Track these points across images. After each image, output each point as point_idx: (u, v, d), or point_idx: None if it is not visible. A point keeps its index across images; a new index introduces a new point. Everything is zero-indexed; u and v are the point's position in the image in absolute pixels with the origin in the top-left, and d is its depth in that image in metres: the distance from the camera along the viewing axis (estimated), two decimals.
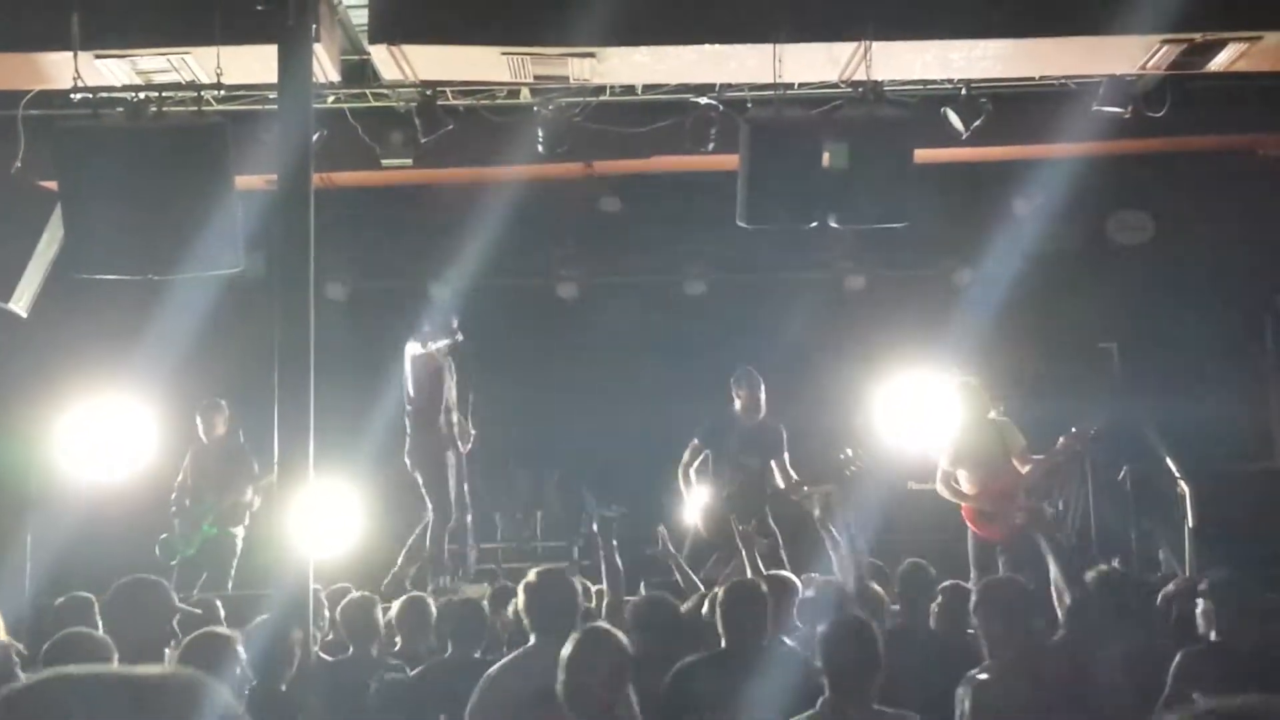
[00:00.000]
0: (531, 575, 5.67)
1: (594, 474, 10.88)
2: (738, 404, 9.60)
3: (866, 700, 4.72)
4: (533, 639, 5.43)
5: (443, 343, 9.84)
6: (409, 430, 10.07)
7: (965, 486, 9.31)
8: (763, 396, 9.56)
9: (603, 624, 5.24)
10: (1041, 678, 5.26)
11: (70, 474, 9.81)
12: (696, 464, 9.51)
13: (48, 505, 9.84)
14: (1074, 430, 9.17)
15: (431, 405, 9.98)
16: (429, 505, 10.00)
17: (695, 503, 9.35)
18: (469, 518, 10.43)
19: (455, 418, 10.07)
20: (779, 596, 6.07)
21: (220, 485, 9.80)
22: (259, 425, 7.37)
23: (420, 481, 10.04)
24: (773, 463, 9.52)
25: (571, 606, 5.54)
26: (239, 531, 9.82)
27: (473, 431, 10.28)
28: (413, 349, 9.95)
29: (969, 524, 9.28)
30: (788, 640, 5.80)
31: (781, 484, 9.34)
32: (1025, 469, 9.18)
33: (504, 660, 5.53)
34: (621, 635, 4.82)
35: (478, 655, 6.34)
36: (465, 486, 10.22)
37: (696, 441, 9.57)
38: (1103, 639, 5.78)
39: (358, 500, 9.66)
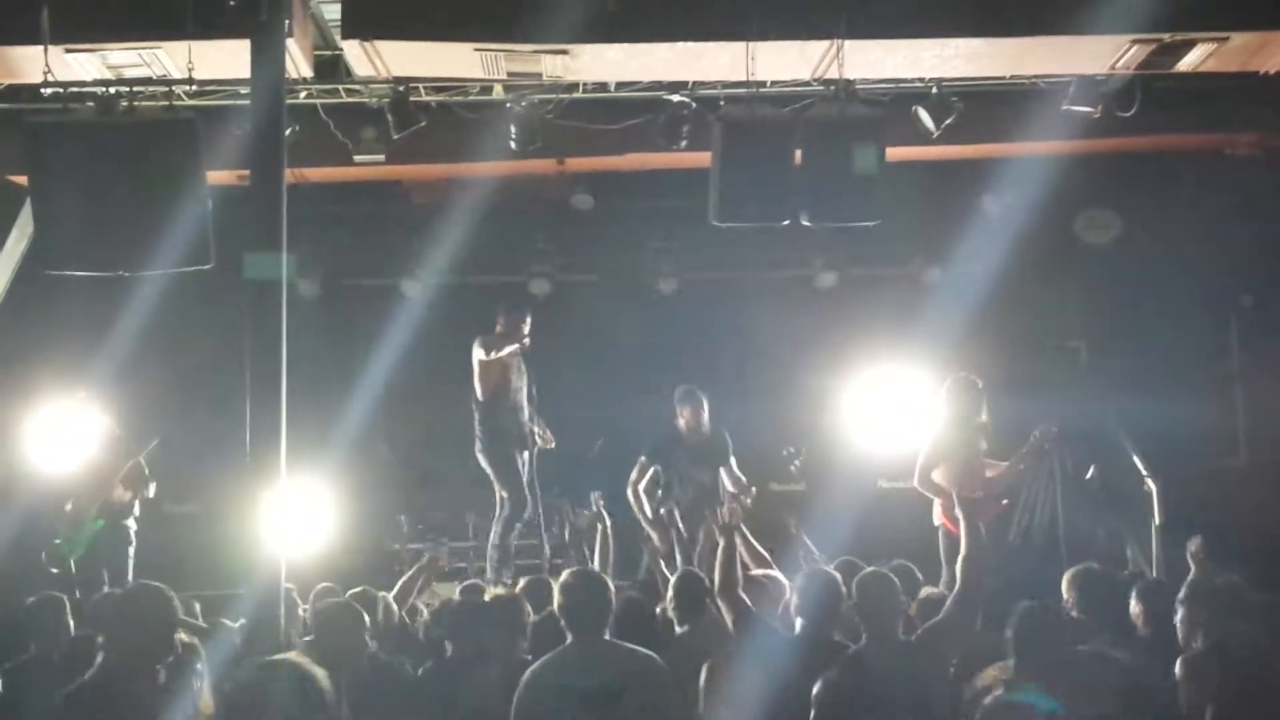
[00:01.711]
0: (566, 575, 5.79)
1: (563, 470, 10.88)
2: (682, 422, 9.65)
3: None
4: (569, 638, 5.53)
5: (512, 347, 9.79)
6: (477, 429, 10.04)
7: (942, 483, 9.34)
8: (705, 415, 9.61)
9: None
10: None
11: (38, 470, 9.73)
12: (645, 481, 9.52)
13: (15, 502, 9.76)
14: (1037, 432, 9.22)
15: (498, 405, 9.96)
16: (504, 499, 9.99)
17: (647, 517, 9.37)
18: (538, 511, 10.29)
19: (523, 417, 10.01)
20: (756, 597, 6.21)
21: (102, 481, 9.56)
22: (230, 422, 7.34)
23: (492, 477, 10.04)
24: (721, 470, 9.56)
25: (606, 606, 5.63)
26: (130, 524, 9.60)
27: (541, 431, 10.19)
28: (478, 352, 9.90)
29: (941, 521, 9.32)
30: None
31: (732, 488, 9.32)
32: (990, 474, 9.22)
33: (545, 659, 5.59)
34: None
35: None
36: (537, 485, 10.12)
37: (644, 458, 9.58)
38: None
39: (328, 498, 9.62)
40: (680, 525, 8.99)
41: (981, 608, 6.05)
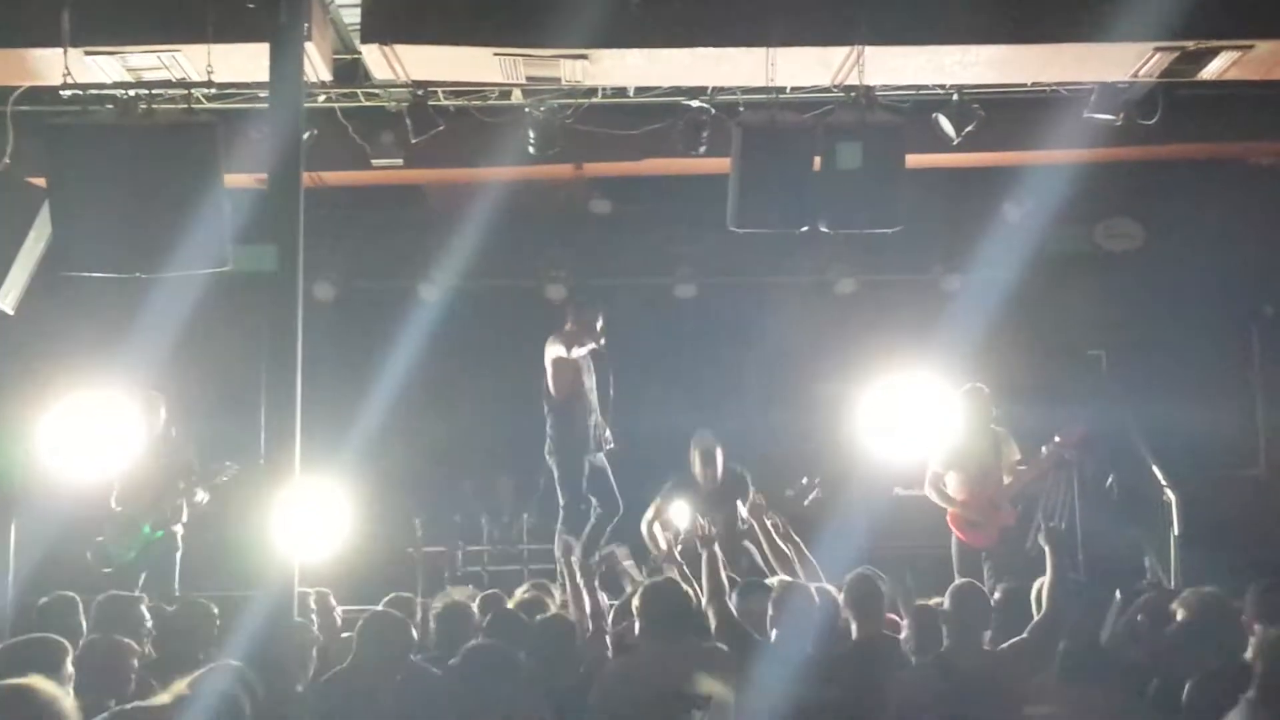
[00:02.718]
0: (648, 581, 6.07)
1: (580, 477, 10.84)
2: (695, 468, 9.55)
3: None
4: (644, 641, 5.78)
5: (586, 348, 9.70)
6: (549, 430, 9.96)
7: (954, 491, 9.32)
8: (718, 465, 9.49)
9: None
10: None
11: (55, 471, 9.74)
12: (659, 521, 9.43)
13: (32, 502, 9.77)
14: (1058, 438, 9.20)
15: (570, 406, 9.85)
16: (561, 506, 9.86)
17: (661, 550, 9.26)
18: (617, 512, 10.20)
19: (595, 419, 9.93)
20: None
21: (157, 485, 9.50)
22: (245, 424, 7.33)
23: (556, 476, 9.94)
24: (738, 503, 9.41)
25: (685, 610, 5.86)
26: (178, 529, 9.55)
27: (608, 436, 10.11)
28: (554, 350, 9.79)
29: (954, 529, 9.29)
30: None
31: (748, 515, 9.19)
32: (1009, 480, 9.22)
33: (620, 659, 5.91)
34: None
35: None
36: (615, 486, 9.99)
37: (659, 501, 9.49)
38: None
39: (344, 501, 9.61)
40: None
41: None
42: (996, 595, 6.75)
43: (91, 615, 6.84)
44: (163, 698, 4.79)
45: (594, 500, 9.68)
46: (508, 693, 5.60)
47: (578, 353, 9.53)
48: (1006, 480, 9.25)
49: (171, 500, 9.33)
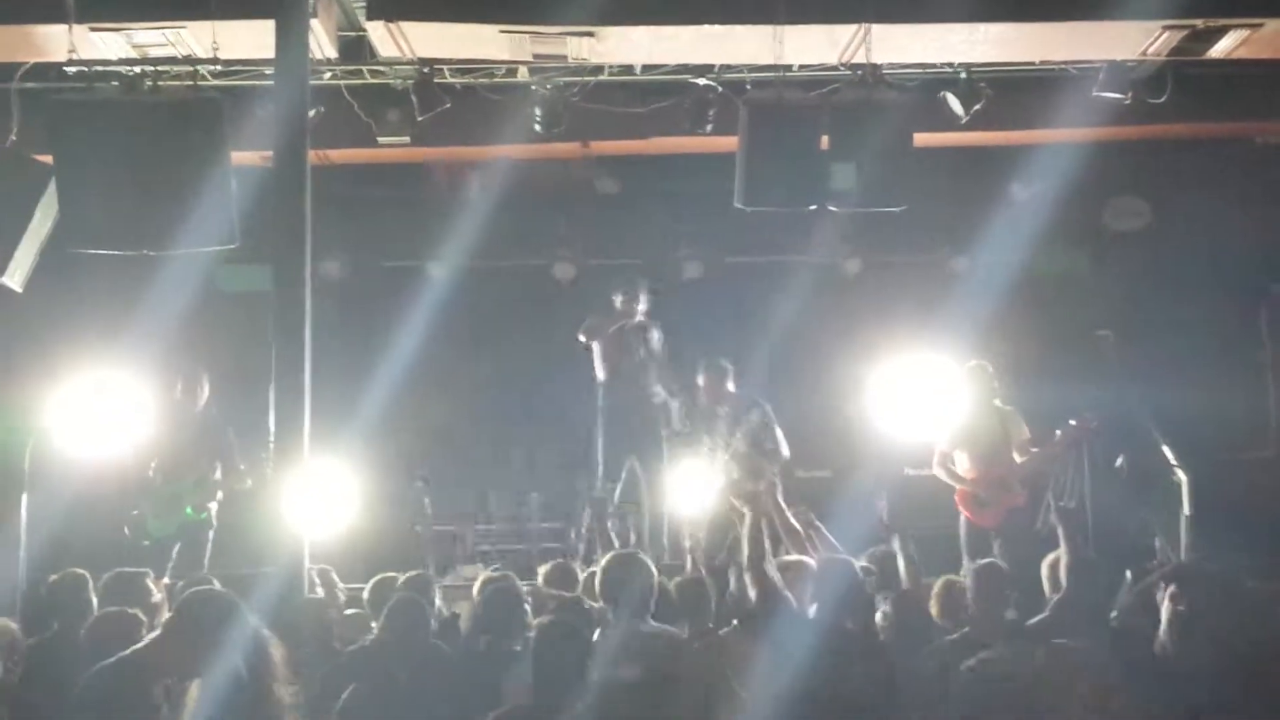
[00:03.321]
0: (606, 559, 5.97)
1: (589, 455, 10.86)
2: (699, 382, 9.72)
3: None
4: (610, 619, 5.68)
5: (614, 326, 9.85)
6: (600, 404, 10.06)
7: (962, 470, 9.31)
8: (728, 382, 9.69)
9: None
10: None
11: (65, 450, 9.76)
12: None
13: (43, 481, 9.78)
14: (1073, 422, 9.18)
15: (614, 384, 9.99)
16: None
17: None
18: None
19: (643, 395, 10.04)
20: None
21: (197, 462, 9.56)
22: (254, 403, 7.34)
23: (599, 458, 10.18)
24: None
25: (648, 588, 5.77)
26: (213, 507, 9.60)
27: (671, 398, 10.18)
28: (585, 333, 10.01)
29: (962, 509, 9.29)
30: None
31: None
32: (1021, 459, 9.20)
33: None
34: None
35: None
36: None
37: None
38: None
39: (352, 480, 9.62)
40: None
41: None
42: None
43: (99, 591, 6.86)
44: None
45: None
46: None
47: (598, 336, 9.98)
48: (1019, 459, 9.23)
49: (216, 483, 9.38)
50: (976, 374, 9.33)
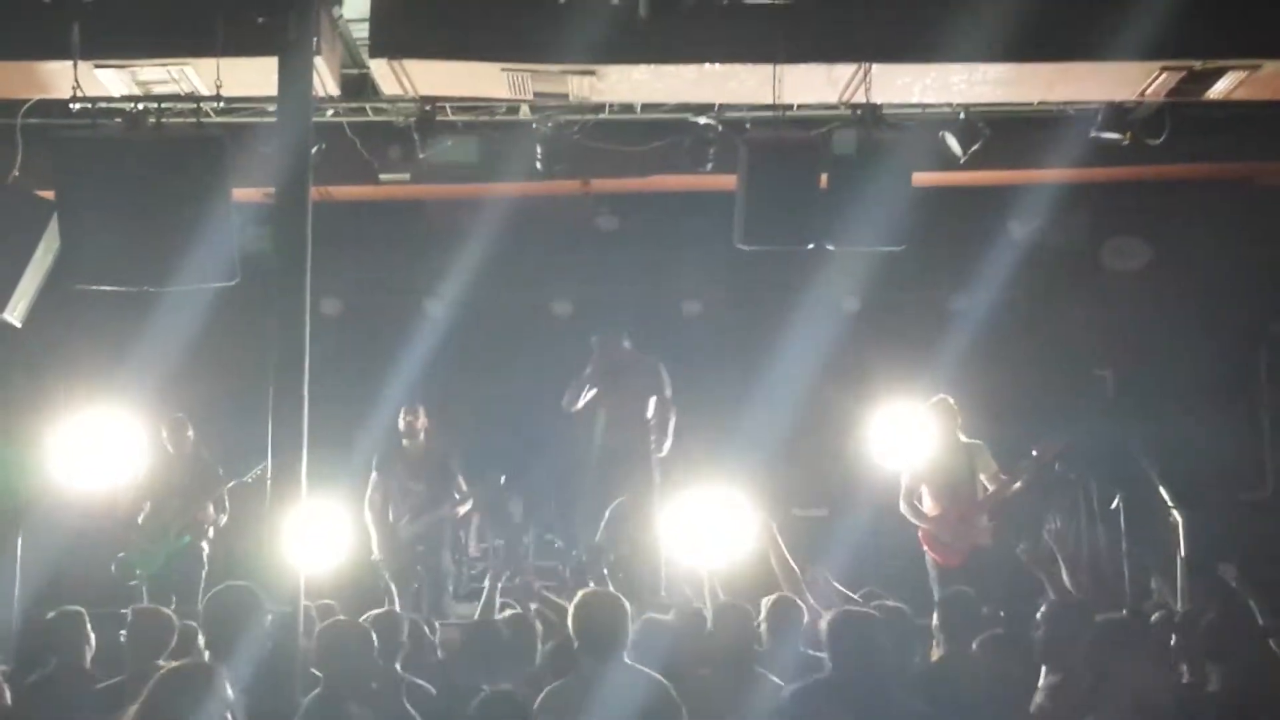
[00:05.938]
0: (580, 597, 5.73)
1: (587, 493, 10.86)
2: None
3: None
4: (582, 663, 5.49)
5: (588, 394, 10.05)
6: (598, 442, 10.27)
7: (926, 507, 9.33)
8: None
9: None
10: None
11: (62, 484, 9.74)
12: None
13: (39, 516, 9.77)
14: (1035, 451, 9.19)
15: (614, 422, 10.16)
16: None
17: None
18: None
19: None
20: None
21: (186, 498, 9.65)
22: (251, 438, 7.33)
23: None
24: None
25: (622, 630, 5.56)
26: (205, 546, 9.68)
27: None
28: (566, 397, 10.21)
29: (926, 549, 9.31)
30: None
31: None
32: (989, 490, 9.21)
33: (553, 686, 5.54)
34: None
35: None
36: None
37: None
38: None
39: (348, 516, 9.60)
40: None
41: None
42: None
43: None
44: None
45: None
46: None
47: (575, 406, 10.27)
48: (989, 490, 9.25)
49: (204, 515, 9.42)
50: (940, 409, 9.34)
